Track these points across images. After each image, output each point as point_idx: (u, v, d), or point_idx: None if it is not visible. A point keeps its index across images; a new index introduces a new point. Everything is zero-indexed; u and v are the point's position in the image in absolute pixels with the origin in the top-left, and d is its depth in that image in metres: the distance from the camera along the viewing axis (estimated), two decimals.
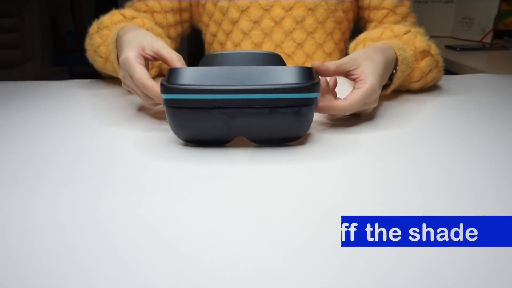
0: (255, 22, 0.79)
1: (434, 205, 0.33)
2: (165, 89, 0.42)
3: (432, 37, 0.69)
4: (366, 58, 0.52)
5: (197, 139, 0.45)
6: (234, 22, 0.79)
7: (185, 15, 0.85)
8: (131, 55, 0.50)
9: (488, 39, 1.32)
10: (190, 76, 0.42)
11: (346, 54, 0.91)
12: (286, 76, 0.41)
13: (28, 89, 0.73)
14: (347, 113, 0.49)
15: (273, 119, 0.42)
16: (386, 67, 0.54)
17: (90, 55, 0.69)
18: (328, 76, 0.50)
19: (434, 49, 0.66)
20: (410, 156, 0.43)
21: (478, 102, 0.62)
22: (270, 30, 0.79)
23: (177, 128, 0.44)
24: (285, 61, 0.47)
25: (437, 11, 1.49)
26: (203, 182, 0.37)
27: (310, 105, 0.42)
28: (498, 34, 1.37)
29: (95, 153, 0.44)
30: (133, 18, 0.68)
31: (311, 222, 0.31)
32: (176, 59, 0.50)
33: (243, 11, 0.78)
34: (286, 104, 0.41)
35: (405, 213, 0.31)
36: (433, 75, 0.66)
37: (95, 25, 0.68)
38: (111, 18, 0.67)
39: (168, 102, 0.42)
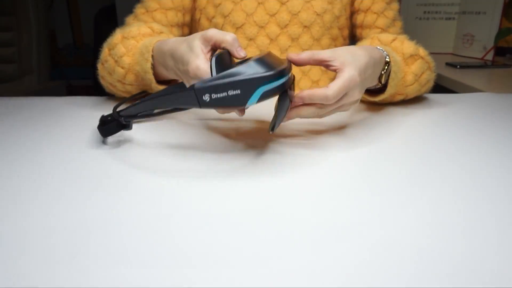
0: (251, 39, 0.77)
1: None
2: (280, 73, 0.42)
3: (433, 53, 0.70)
4: (347, 51, 0.52)
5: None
6: None
7: (186, 30, 0.83)
8: (199, 63, 0.45)
9: (489, 57, 1.30)
10: (259, 66, 0.42)
11: None
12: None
13: (23, 105, 0.70)
14: (329, 100, 0.47)
15: None
16: (368, 63, 0.53)
17: (109, 66, 0.65)
18: (301, 64, 0.50)
19: (422, 51, 0.67)
20: (405, 175, 0.40)
21: (475, 122, 0.59)
22: (266, 47, 0.77)
23: (281, 118, 0.44)
24: None
25: (438, 27, 1.48)
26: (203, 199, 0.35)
27: None
28: (499, 51, 1.35)
29: (88, 173, 0.42)
30: (161, 32, 0.66)
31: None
32: (232, 41, 0.47)
33: (238, 28, 0.76)
34: None
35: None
36: (426, 76, 0.67)
37: (119, 34, 0.65)
38: (139, 29, 0.64)
39: (282, 87, 0.42)
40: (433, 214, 0.34)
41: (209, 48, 0.48)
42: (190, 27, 0.84)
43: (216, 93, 0.40)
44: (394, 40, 0.67)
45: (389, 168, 0.44)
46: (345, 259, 0.28)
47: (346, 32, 0.84)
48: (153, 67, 0.58)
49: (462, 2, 1.42)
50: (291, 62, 0.50)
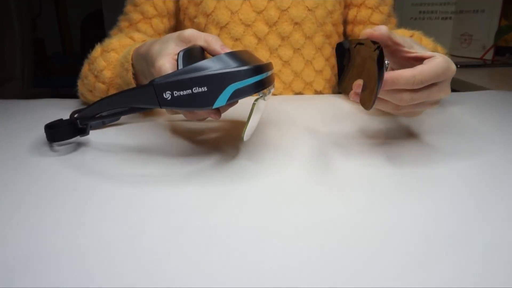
0: (236, 39, 0.71)
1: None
2: (256, 69, 0.36)
3: None
4: (414, 42, 0.43)
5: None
6: None
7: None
8: (163, 62, 0.40)
9: (488, 56, 1.25)
10: (230, 60, 0.36)
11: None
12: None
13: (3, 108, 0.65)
14: (416, 85, 0.37)
15: None
16: None
17: (88, 82, 0.59)
18: (380, 39, 0.39)
19: (441, 49, 0.61)
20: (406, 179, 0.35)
21: (487, 120, 0.54)
22: (254, 48, 0.72)
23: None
24: None
25: (434, 28, 1.43)
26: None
27: None
28: (499, 51, 1.30)
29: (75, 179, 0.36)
30: (143, 41, 0.59)
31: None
32: (214, 41, 0.42)
33: (223, 27, 0.71)
34: None
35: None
36: None
37: (98, 48, 0.59)
38: (119, 41, 0.59)
39: (257, 86, 0.36)
40: (441, 219, 0.29)
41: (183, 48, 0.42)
42: (176, 30, 0.79)
43: (178, 90, 0.34)
44: (411, 36, 0.62)
45: (390, 174, 0.38)
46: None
47: (341, 29, 0.79)
48: (135, 76, 0.52)
49: (459, 1, 1.37)
50: (369, 37, 0.40)
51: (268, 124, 0.54)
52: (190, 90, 0.34)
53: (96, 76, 0.57)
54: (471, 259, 0.26)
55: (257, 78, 0.36)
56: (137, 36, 0.61)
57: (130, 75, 0.51)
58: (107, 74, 0.56)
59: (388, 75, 0.37)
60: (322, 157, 0.43)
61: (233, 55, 0.37)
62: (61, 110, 0.63)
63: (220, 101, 0.35)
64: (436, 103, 0.42)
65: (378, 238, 0.28)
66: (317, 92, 0.77)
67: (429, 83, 0.38)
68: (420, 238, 0.28)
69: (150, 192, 0.36)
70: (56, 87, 2.32)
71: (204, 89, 0.34)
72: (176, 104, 0.35)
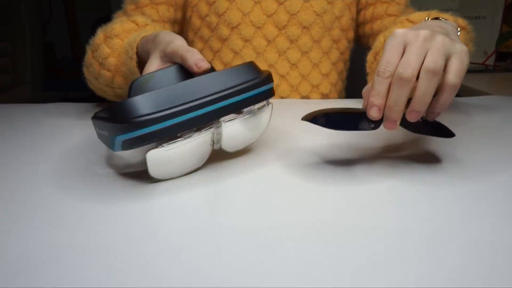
0: (247, 40, 0.74)
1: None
2: (143, 122, 0.32)
3: None
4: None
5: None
6: (224, 40, 0.75)
7: (176, 27, 0.80)
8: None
9: (490, 62, 1.28)
10: (152, 102, 0.32)
11: (346, 75, 0.86)
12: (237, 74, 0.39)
13: (13, 112, 0.67)
14: (458, 86, 0.36)
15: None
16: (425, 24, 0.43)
17: (93, 70, 0.58)
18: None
19: (462, 21, 0.58)
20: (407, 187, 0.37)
21: (491, 125, 0.56)
22: (263, 49, 0.75)
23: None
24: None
25: None
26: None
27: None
28: (500, 57, 1.33)
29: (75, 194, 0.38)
30: (146, 25, 0.59)
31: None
32: (189, 57, 0.40)
33: (234, 28, 0.73)
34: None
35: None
36: (470, 49, 0.58)
37: (101, 34, 0.58)
38: (122, 26, 0.57)
39: (148, 137, 0.32)
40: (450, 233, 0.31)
41: (168, 64, 0.43)
42: (181, 25, 0.81)
43: (98, 128, 0.35)
44: (428, 15, 0.58)
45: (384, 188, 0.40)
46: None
47: (351, 34, 0.81)
48: (140, 65, 0.52)
49: (461, 7, 1.40)
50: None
51: (273, 127, 0.56)
52: (101, 131, 0.35)
53: (101, 64, 0.57)
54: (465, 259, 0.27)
55: (144, 130, 0.32)
56: (141, 20, 0.60)
57: (133, 63, 0.51)
58: (112, 61, 0.56)
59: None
60: (323, 161, 0.45)
61: (163, 93, 0.33)
62: (70, 114, 0.65)
63: (117, 148, 0.33)
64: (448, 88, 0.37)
65: (379, 240, 0.29)
66: (324, 95, 0.79)
67: (396, 54, 0.36)
68: (420, 240, 0.29)
69: (150, 193, 0.35)
70: (66, 91, 2.36)
71: (106, 133, 0.34)
72: (101, 139, 0.36)
